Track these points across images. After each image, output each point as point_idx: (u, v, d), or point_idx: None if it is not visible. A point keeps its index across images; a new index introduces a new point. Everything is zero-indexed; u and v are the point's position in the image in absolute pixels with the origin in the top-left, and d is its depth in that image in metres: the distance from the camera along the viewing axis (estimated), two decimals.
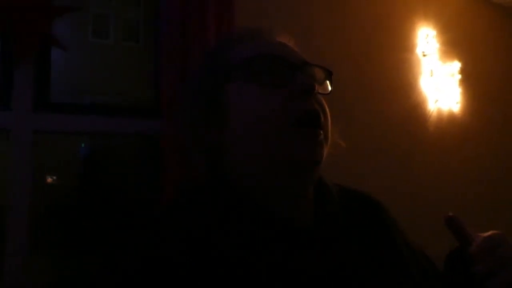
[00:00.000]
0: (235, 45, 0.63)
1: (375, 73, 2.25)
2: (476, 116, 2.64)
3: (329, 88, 0.62)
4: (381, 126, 2.23)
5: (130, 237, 0.53)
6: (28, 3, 1.34)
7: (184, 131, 0.66)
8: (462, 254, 0.56)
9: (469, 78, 2.62)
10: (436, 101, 2.48)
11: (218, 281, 0.48)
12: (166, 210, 0.60)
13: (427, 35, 2.49)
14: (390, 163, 2.24)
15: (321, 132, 0.56)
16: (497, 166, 2.69)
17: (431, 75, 2.48)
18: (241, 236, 0.52)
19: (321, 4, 2.14)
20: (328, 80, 0.63)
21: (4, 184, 1.43)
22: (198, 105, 0.62)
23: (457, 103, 2.57)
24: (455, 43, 2.61)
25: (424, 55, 2.47)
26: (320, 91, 0.60)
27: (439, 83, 2.50)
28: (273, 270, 0.50)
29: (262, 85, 0.56)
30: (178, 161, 1.43)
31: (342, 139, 0.63)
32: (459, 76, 2.58)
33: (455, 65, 2.58)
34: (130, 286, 0.47)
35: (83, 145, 2.85)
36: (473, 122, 2.63)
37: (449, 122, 2.55)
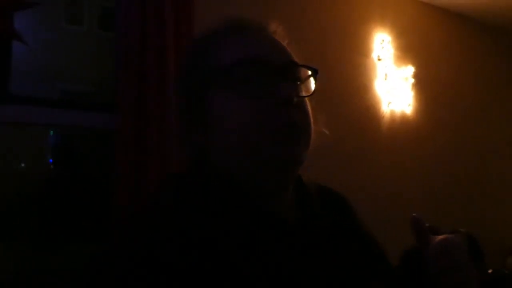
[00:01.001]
0: (217, 42, 0.62)
1: (330, 74, 2.37)
2: (427, 118, 2.81)
3: (313, 86, 0.63)
4: (335, 126, 2.34)
5: (123, 237, 0.54)
6: None
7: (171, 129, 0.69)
8: (419, 253, 0.60)
9: (421, 82, 2.79)
10: (390, 103, 2.63)
11: (205, 274, 0.49)
12: (152, 207, 0.60)
13: (383, 40, 2.63)
14: (343, 162, 2.37)
15: (300, 136, 0.58)
16: (445, 165, 2.87)
17: (385, 79, 2.63)
18: (225, 227, 0.54)
19: (278, 2, 2.23)
20: (313, 77, 0.63)
21: None
22: (181, 107, 0.63)
23: (409, 105, 2.73)
24: (409, 49, 2.76)
25: (379, 59, 2.61)
26: (303, 93, 0.62)
27: (393, 87, 2.65)
28: (259, 260, 0.52)
29: (242, 95, 0.57)
30: (128, 156, 1.49)
31: (327, 128, 0.66)
32: (412, 80, 2.74)
33: (409, 70, 2.74)
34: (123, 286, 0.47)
35: (52, 132, 2.87)
36: (424, 123, 2.80)
37: (401, 123, 2.70)
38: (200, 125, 0.60)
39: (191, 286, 0.47)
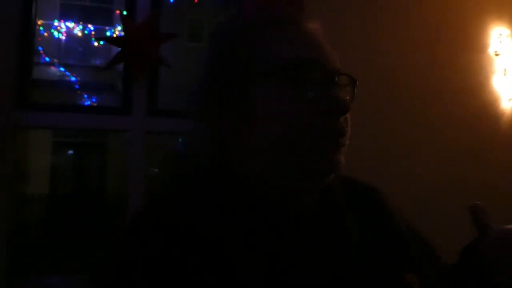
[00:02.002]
0: (268, 35, 0.57)
1: (443, 72, 2.33)
2: None
3: (350, 95, 0.59)
4: (450, 125, 2.32)
5: (124, 236, 0.53)
6: (141, 33, 1.70)
7: (196, 118, 0.62)
8: (477, 245, 0.55)
9: None
10: (510, 99, 2.49)
11: (205, 274, 0.48)
12: (154, 206, 0.58)
13: (500, 34, 2.50)
14: (460, 161, 2.32)
15: (345, 145, 0.57)
16: None
17: (505, 74, 2.49)
18: (242, 226, 0.53)
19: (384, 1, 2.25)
20: (352, 87, 0.60)
21: (125, 175, 1.81)
22: (212, 99, 0.58)
23: None
24: None
25: (496, 55, 2.49)
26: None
27: None
28: (259, 260, 0.51)
29: (296, 96, 0.54)
30: None
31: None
32: None
33: None
34: (125, 284, 0.47)
35: (180, 140, 3.28)
36: None
37: None
38: (235, 122, 0.56)
39: (191, 286, 0.47)
